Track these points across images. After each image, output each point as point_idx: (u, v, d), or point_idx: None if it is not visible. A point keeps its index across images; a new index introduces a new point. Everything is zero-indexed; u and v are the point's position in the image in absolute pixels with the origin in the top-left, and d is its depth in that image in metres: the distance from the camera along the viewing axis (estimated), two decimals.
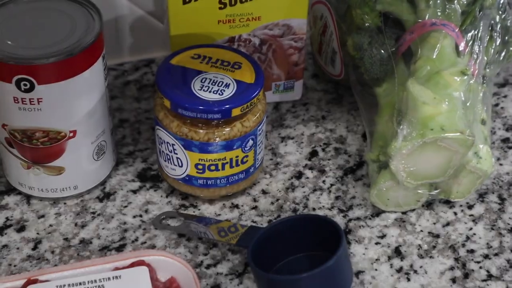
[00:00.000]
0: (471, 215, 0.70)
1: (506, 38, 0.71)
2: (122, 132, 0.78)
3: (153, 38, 0.86)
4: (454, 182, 0.67)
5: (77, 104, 0.63)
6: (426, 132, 0.61)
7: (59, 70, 0.59)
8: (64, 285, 0.58)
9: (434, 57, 0.65)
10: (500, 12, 0.71)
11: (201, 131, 0.63)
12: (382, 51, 0.69)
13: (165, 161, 0.68)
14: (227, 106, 0.62)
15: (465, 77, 0.64)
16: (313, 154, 0.75)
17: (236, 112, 0.62)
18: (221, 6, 0.70)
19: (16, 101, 0.60)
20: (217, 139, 0.63)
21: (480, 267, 0.65)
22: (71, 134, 0.64)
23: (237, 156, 0.66)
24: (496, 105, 0.81)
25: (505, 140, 0.78)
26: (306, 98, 0.81)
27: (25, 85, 0.59)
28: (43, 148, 0.64)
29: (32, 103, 0.60)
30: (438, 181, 0.67)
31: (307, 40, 0.81)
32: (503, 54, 0.72)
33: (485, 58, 0.69)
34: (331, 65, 0.78)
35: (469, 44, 0.68)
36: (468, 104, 0.65)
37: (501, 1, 0.71)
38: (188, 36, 0.72)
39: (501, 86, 0.84)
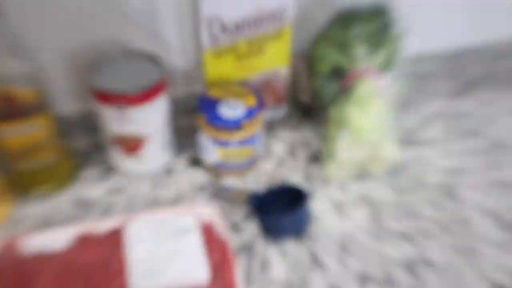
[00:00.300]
0: (382, 184, 0.73)
1: (405, 79, 0.76)
2: (178, 135, 0.80)
3: (196, 80, 0.84)
4: (373, 165, 0.72)
5: (152, 118, 0.67)
6: (357, 135, 0.67)
7: (140, 98, 0.64)
8: (145, 224, 0.64)
9: (363, 89, 0.69)
10: (404, 64, 0.76)
11: (225, 134, 0.67)
12: (334, 87, 0.74)
13: (204, 153, 0.72)
14: (240, 119, 0.66)
15: (382, 102, 0.69)
16: (292, 149, 0.79)
17: (244, 123, 0.67)
18: (237, 60, 0.73)
19: (116, 117, 0.66)
20: (235, 139, 0.68)
21: (388, 214, 0.69)
22: (148, 137, 0.69)
23: (245, 151, 0.70)
24: (399, 119, 0.84)
25: (404, 140, 0.81)
26: (288, 116, 0.85)
27: (120, 107, 0.65)
28: (132, 144, 0.69)
29: (124, 118, 0.66)
30: (364, 164, 0.71)
31: (289, 81, 0.82)
32: (404, 89, 0.75)
33: (394, 91, 0.72)
34: (303, 95, 0.81)
35: (385, 83, 0.71)
36: (383, 118, 0.69)
37: (404, 57, 0.75)
38: (217, 78, 0.75)
39: (403, 108, 0.87)
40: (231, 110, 0.69)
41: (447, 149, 0.81)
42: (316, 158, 0.78)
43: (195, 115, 0.82)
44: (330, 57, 0.74)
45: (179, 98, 0.85)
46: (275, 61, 0.76)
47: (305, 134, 0.82)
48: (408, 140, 0.83)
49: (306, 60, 0.80)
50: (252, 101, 0.70)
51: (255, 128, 0.70)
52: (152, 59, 0.69)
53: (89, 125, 0.82)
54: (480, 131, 0.84)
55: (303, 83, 0.82)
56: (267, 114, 0.83)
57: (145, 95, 0.65)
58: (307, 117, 0.85)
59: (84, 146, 0.79)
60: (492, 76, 0.96)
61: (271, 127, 0.83)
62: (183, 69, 0.84)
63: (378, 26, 0.72)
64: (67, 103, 0.81)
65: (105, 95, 0.64)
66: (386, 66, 0.74)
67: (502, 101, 0.91)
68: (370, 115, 0.69)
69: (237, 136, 0.69)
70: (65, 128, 0.81)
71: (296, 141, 0.81)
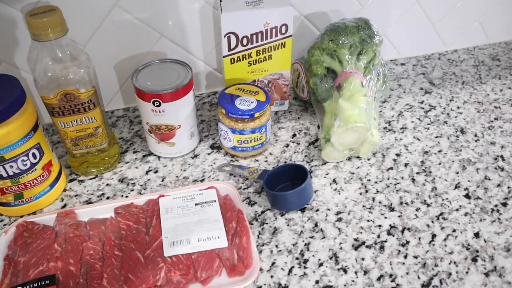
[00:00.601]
0: (369, 163, 0.70)
1: (384, 79, 0.71)
2: (202, 125, 0.78)
3: (216, 81, 0.85)
4: (361, 147, 0.68)
5: (181, 112, 0.65)
6: (347, 123, 0.63)
7: (172, 96, 0.62)
8: (176, 197, 0.61)
9: (351, 88, 0.67)
10: (382, 67, 0.72)
11: (240, 123, 0.65)
12: (327, 85, 0.71)
13: (223, 139, 0.69)
14: (252, 112, 0.64)
15: (366, 97, 0.66)
16: (294, 135, 0.75)
17: (257, 115, 0.65)
18: (249, 65, 0.71)
19: (153, 111, 0.63)
20: (248, 127, 0.66)
21: (375, 188, 0.66)
22: (178, 127, 0.66)
23: (257, 136, 0.67)
24: (380, 111, 0.81)
25: (385, 128, 0.77)
26: (290, 109, 0.81)
27: (156, 103, 0.63)
28: (165, 133, 0.67)
29: (159, 111, 0.63)
30: (353, 147, 0.67)
31: (291, 81, 0.80)
32: (383, 87, 0.72)
33: (375, 88, 0.70)
34: (302, 92, 0.78)
35: (368, 82, 0.69)
36: (367, 110, 0.66)
37: (382, 61, 0.72)
38: (233, 79, 0.73)
39: (383, 102, 0.83)
40: (245, 104, 0.66)
41: (419, 135, 0.77)
42: (315, 143, 0.74)
43: (216, 109, 0.81)
44: (324, 62, 0.72)
45: (203, 96, 0.86)
46: (279, 66, 0.73)
47: (305, 123, 0.78)
48: (388, 128, 0.79)
49: (304, 63, 0.77)
50: (262, 97, 0.67)
51: (264, 118, 0.67)
52: (182, 65, 0.67)
53: (131, 118, 0.81)
54: (444, 120, 0.80)
55: (301, 82, 0.78)
56: (274, 108, 0.80)
57: (176, 93, 0.63)
58: (305, 110, 0.81)
59: (128, 135, 0.77)
60: (451, 77, 0.92)
61: (277, 118, 0.80)
62: (207, 73, 0.84)
63: (360, 38, 0.70)
64: (115, 101, 0.82)
65: (144, 93, 0.62)
66: (368, 68, 0.71)
67: (461, 96, 0.86)
68: (357, 107, 0.66)
69: (250, 125, 0.66)
70: (113, 120, 0.80)
71: (298, 129, 0.77)
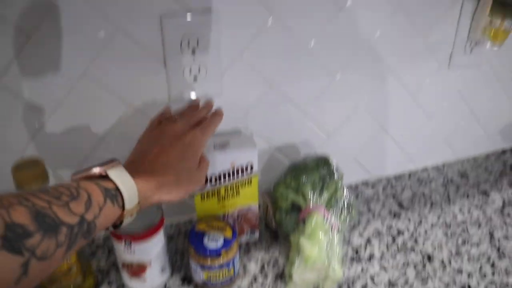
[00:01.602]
0: None
1: (349, 209, 0.74)
2: (176, 256, 0.78)
3: (193, 209, 0.80)
4: (324, 283, 0.69)
5: (151, 250, 0.67)
6: (307, 263, 0.67)
7: (142, 236, 0.65)
8: None
9: (313, 224, 0.70)
10: (346, 198, 0.75)
11: (208, 260, 0.67)
12: (292, 220, 0.74)
13: (194, 273, 0.71)
14: (219, 249, 0.67)
15: (327, 234, 0.70)
16: (262, 267, 0.76)
17: (223, 252, 0.67)
18: (218, 201, 0.74)
19: (124, 250, 0.66)
20: (216, 264, 0.67)
21: None
22: (149, 264, 0.68)
23: (225, 271, 0.69)
24: (349, 239, 0.82)
25: (352, 258, 0.79)
26: (261, 237, 0.82)
27: (127, 242, 0.65)
28: (136, 270, 0.68)
29: (130, 251, 0.66)
30: (316, 283, 0.69)
31: (260, 212, 0.81)
32: (348, 218, 0.74)
33: (339, 221, 0.72)
34: (271, 223, 0.80)
35: (330, 216, 0.72)
36: (330, 245, 0.69)
37: (345, 193, 0.75)
38: (204, 214, 0.75)
39: (352, 228, 0.85)
40: (213, 242, 0.69)
41: (385, 265, 0.79)
42: (282, 275, 0.75)
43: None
44: (288, 197, 0.76)
45: (180, 224, 0.87)
46: (247, 200, 0.77)
47: (275, 253, 0.80)
48: (355, 258, 0.80)
49: (271, 196, 0.80)
50: (228, 234, 0.70)
51: (231, 254, 0.70)
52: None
53: (109, 247, 0.82)
54: (412, 247, 0.83)
55: (270, 214, 0.81)
56: (244, 238, 0.81)
57: (146, 233, 0.66)
58: (275, 240, 0.82)
59: (105, 266, 0.78)
60: (420, 198, 0.95)
61: (248, 248, 0.81)
62: (183, 201, 0.83)
63: (320, 176, 0.74)
64: None
65: (116, 234, 0.66)
66: (331, 203, 0.75)
67: (430, 219, 0.90)
68: (317, 244, 0.69)
69: (217, 262, 0.69)
70: (93, 249, 0.82)
71: (267, 260, 0.78)
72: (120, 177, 0.45)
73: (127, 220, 0.47)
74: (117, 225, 0.47)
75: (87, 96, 0.70)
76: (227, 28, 0.72)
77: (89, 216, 0.40)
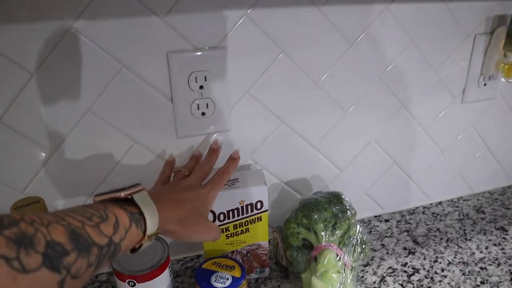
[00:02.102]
0: None
1: (362, 246, 0.72)
2: None
3: (199, 244, 0.81)
4: None
5: None
6: None
7: (147, 276, 0.63)
8: None
9: (325, 263, 0.68)
10: (360, 235, 0.73)
11: None
12: (303, 258, 0.71)
13: None
14: None
15: (340, 274, 0.68)
16: None
17: None
18: (227, 237, 0.73)
19: None
20: None
21: None
22: None
23: None
24: (362, 276, 0.79)
25: None
26: (271, 274, 0.79)
27: (131, 283, 0.63)
28: None
29: None
30: None
31: (270, 248, 0.81)
32: (361, 255, 0.72)
33: (352, 259, 0.70)
34: (281, 260, 0.78)
35: (343, 255, 0.70)
36: (342, 285, 0.68)
37: (358, 230, 0.73)
38: (212, 251, 0.74)
39: (365, 266, 0.83)
40: (220, 282, 0.67)
41: None
42: None
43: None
44: (300, 234, 0.74)
45: (187, 260, 0.85)
46: (257, 237, 0.75)
47: None
48: None
49: (282, 233, 0.78)
50: (237, 273, 0.68)
51: None
52: (159, 240, 0.69)
53: (114, 284, 0.79)
54: (428, 286, 0.79)
55: (280, 251, 0.79)
56: (254, 275, 0.80)
57: (151, 273, 0.64)
58: (286, 278, 0.80)
59: None
60: (435, 234, 0.92)
61: (257, 285, 0.79)
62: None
63: (332, 213, 0.72)
64: None
65: (119, 273, 0.64)
66: (343, 241, 0.73)
67: (446, 256, 0.86)
68: (330, 285, 0.67)
69: None
70: (95, 287, 0.79)
71: None
72: (145, 203, 0.47)
73: (145, 245, 0.48)
74: (135, 249, 0.48)
75: (91, 132, 0.70)
76: (236, 63, 0.72)
77: (116, 238, 0.41)
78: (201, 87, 0.71)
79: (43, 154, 0.69)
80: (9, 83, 0.63)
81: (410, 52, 0.81)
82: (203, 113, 0.73)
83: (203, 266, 0.70)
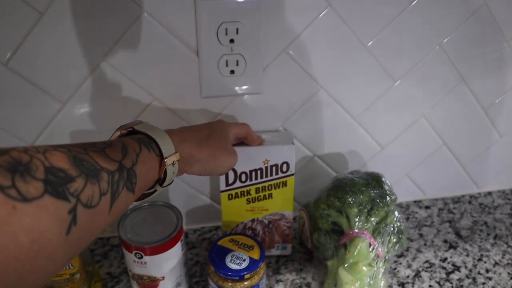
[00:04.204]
0: None
1: (399, 236, 0.65)
2: (196, 268, 0.71)
3: (217, 215, 0.79)
4: None
5: (165, 265, 0.60)
6: None
7: (156, 249, 0.58)
8: None
9: (356, 253, 0.61)
10: (398, 223, 0.65)
11: (229, 283, 0.60)
12: (331, 244, 0.65)
13: None
14: (242, 273, 0.59)
15: (371, 267, 0.61)
16: None
17: (247, 276, 0.59)
18: (247, 202, 0.68)
19: (135, 262, 0.59)
20: (238, 287, 0.60)
21: None
22: (162, 278, 0.61)
23: None
24: (394, 268, 0.72)
25: None
26: (293, 256, 0.74)
27: (138, 255, 0.58)
28: (147, 284, 0.62)
29: (142, 263, 0.59)
30: None
31: (295, 226, 0.78)
32: (397, 246, 0.65)
33: (385, 249, 0.63)
34: (306, 242, 0.72)
35: (377, 246, 0.62)
36: (373, 279, 0.61)
37: (396, 216, 0.65)
38: (231, 221, 0.69)
39: (399, 257, 0.75)
40: (236, 263, 0.61)
41: None
42: None
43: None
44: (330, 216, 0.67)
45: (204, 230, 0.81)
46: (281, 206, 0.69)
47: (307, 278, 0.71)
48: None
49: (310, 212, 0.71)
50: (255, 254, 0.62)
51: (256, 278, 0.61)
52: (173, 210, 0.63)
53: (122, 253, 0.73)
54: (469, 287, 0.71)
55: (306, 232, 0.72)
56: (275, 251, 0.74)
57: (161, 246, 0.59)
58: (310, 261, 0.74)
59: (116, 271, 0.72)
60: (482, 228, 0.83)
61: (277, 266, 0.73)
62: (210, 205, 0.79)
63: (370, 197, 0.64)
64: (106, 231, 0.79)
65: (126, 243, 0.59)
66: (378, 229, 0.65)
67: (492, 255, 0.77)
68: (359, 280, 0.60)
69: (239, 286, 0.60)
70: (106, 249, 0.76)
71: (297, 284, 0.69)
72: (148, 128, 0.44)
73: (170, 171, 0.44)
74: (161, 180, 0.44)
75: (106, 83, 0.63)
76: (273, 16, 0.62)
77: (127, 163, 0.38)
78: (232, 40, 0.62)
79: (54, 105, 0.63)
80: (16, 23, 0.56)
81: (480, 17, 0.69)
82: (232, 71, 0.64)
83: (219, 243, 0.64)
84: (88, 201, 0.32)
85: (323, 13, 0.63)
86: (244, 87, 0.66)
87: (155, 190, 0.45)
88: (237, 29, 0.61)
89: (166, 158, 0.43)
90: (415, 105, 0.77)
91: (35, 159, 0.29)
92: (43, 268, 0.28)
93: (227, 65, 0.64)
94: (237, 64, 0.64)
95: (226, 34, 0.61)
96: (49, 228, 0.28)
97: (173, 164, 0.44)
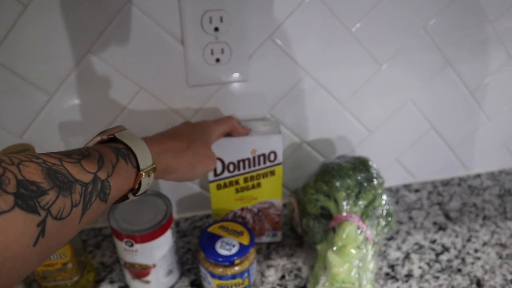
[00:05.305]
0: None
1: (387, 219, 0.66)
2: (187, 256, 0.72)
3: (208, 203, 0.78)
4: None
5: (156, 252, 0.61)
6: (334, 282, 0.59)
7: (146, 237, 0.59)
8: None
9: (344, 236, 0.62)
10: (386, 206, 0.66)
11: (220, 269, 0.61)
12: (320, 228, 0.66)
13: (203, 280, 0.65)
14: (232, 258, 0.60)
15: (359, 249, 0.61)
16: (282, 277, 0.68)
17: (237, 261, 0.61)
18: (236, 192, 0.68)
19: (126, 250, 0.60)
20: (228, 273, 0.61)
21: None
22: (153, 266, 0.62)
23: (238, 282, 0.63)
24: (384, 251, 0.73)
25: (387, 274, 0.69)
26: (284, 242, 0.75)
27: (129, 243, 0.60)
28: (139, 271, 0.63)
29: (132, 251, 0.60)
30: None
31: (285, 212, 0.78)
32: (385, 229, 0.66)
33: (374, 232, 0.64)
34: (296, 227, 0.73)
35: (365, 229, 0.63)
36: (362, 261, 0.61)
37: (384, 199, 0.66)
38: (221, 209, 0.70)
39: (389, 240, 0.76)
40: (226, 248, 0.62)
41: (426, 286, 0.68)
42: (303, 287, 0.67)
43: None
44: (318, 201, 0.67)
45: (195, 218, 0.81)
46: (269, 194, 0.70)
47: (298, 262, 0.72)
48: (390, 275, 0.71)
49: (299, 198, 0.72)
50: (245, 240, 0.63)
51: (246, 263, 0.63)
52: (162, 198, 0.65)
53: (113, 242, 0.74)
54: (458, 268, 0.72)
55: (296, 218, 0.73)
56: (265, 238, 0.75)
57: (151, 234, 0.60)
58: (300, 246, 0.75)
59: (109, 260, 0.73)
60: (471, 209, 0.84)
61: (268, 252, 0.74)
62: (201, 194, 0.80)
63: (356, 181, 0.65)
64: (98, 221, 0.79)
65: (116, 232, 0.60)
66: (366, 212, 0.66)
67: (481, 236, 0.78)
68: (347, 262, 0.61)
69: (230, 271, 0.62)
70: (99, 240, 0.77)
71: (288, 269, 0.71)
72: (129, 138, 0.44)
73: (145, 183, 0.44)
74: (135, 189, 0.44)
75: (93, 74, 0.63)
76: (257, 3, 0.62)
77: (102, 175, 0.37)
78: (216, 29, 0.62)
79: (41, 97, 0.64)
80: (1, 15, 0.56)
81: (463, 0, 0.69)
82: (218, 59, 0.65)
83: (209, 230, 0.65)
84: (58, 213, 0.32)
85: None
86: (230, 75, 0.67)
87: (127, 198, 0.44)
88: (221, 17, 0.61)
89: (142, 170, 0.43)
90: (401, 89, 0.77)
91: (8, 171, 0.29)
92: (5, 277, 0.28)
93: (212, 54, 0.64)
94: (222, 52, 0.64)
95: (211, 22, 0.61)
96: (16, 241, 0.28)
97: (148, 175, 0.44)
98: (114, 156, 0.40)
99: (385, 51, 0.72)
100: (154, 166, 0.44)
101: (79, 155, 0.37)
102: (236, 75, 0.67)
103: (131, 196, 0.44)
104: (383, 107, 0.78)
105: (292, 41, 0.67)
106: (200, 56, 0.64)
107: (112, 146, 0.42)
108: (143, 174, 0.43)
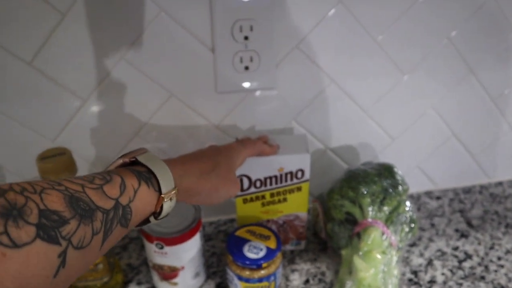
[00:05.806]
0: None
1: (410, 226, 0.67)
2: (212, 259, 0.74)
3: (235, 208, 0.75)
4: None
5: (185, 255, 0.62)
6: (360, 286, 0.60)
7: (176, 240, 0.60)
8: None
9: (369, 242, 0.62)
10: (409, 212, 0.67)
11: (247, 271, 0.62)
12: (344, 233, 0.67)
13: (230, 283, 0.65)
14: (260, 261, 0.61)
15: (384, 255, 0.62)
16: (307, 281, 0.69)
17: (264, 265, 0.61)
18: (262, 205, 0.69)
19: (155, 252, 0.62)
20: (255, 276, 0.62)
21: None
22: (182, 268, 0.64)
23: (265, 285, 0.63)
24: (407, 257, 0.74)
25: (410, 280, 0.70)
26: (308, 247, 0.75)
27: (159, 245, 0.61)
28: (167, 273, 0.64)
29: (162, 253, 0.61)
30: None
31: (309, 217, 0.79)
32: (409, 235, 0.67)
33: (398, 238, 0.65)
34: (320, 232, 0.74)
35: (390, 234, 0.64)
36: (386, 267, 0.62)
37: (408, 205, 0.67)
38: (246, 217, 0.70)
39: (411, 246, 0.76)
40: (253, 252, 0.63)
41: None
42: None
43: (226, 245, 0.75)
44: (343, 206, 0.68)
45: (220, 223, 0.83)
46: (295, 208, 0.70)
47: (322, 267, 0.73)
48: (413, 281, 0.71)
49: (323, 203, 0.73)
50: (272, 244, 0.64)
51: (273, 267, 0.64)
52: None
53: (142, 242, 0.78)
54: (481, 275, 0.73)
55: (320, 223, 0.74)
56: (289, 247, 0.75)
57: (181, 237, 0.61)
58: (324, 251, 0.76)
59: (136, 262, 0.75)
60: (493, 217, 0.85)
61: (292, 257, 0.75)
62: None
63: (382, 187, 0.66)
64: None
65: (147, 234, 0.61)
66: (391, 218, 0.66)
67: (504, 243, 0.79)
68: (373, 267, 0.62)
69: (257, 274, 0.63)
70: (125, 242, 0.78)
71: (313, 273, 0.72)
72: (151, 161, 0.42)
73: (167, 206, 0.43)
74: (157, 213, 0.43)
75: (125, 81, 0.65)
76: (285, 13, 0.64)
77: (124, 200, 0.37)
78: (246, 37, 0.64)
79: (75, 102, 0.66)
80: (40, 23, 0.59)
81: (488, 9, 0.71)
82: (247, 67, 0.66)
83: (236, 234, 0.66)
84: (79, 243, 0.31)
85: (333, 9, 0.65)
86: (258, 82, 0.69)
87: (149, 222, 0.43)
88: (251, 26, 0.63)
89: (164, 194, 0.42)
90: (424, 97, 0.78)
91: (30, 201, 0.29)
92: None
93: (241, 61, 0.66)
94: (251, 60, 0.66)
95: (241, 31, 0.63)
96: (37, 273, 0.28)
97: (170, 199, 0.43)
98: (136, 180, 0.40)
99: (409, 60, 0.73)
100: (176, 188, 0.43)
101: (101, 180, 0.37)
102: (264, 82, 0.69)
103: (153, 220, 0.43)
104: (406, 115, 0.79)
105: (318, 49, 0.68)
106: (229, 63, 0.66)
107: (134, 170, 0.41)
108: (165, 198, 0.42)
